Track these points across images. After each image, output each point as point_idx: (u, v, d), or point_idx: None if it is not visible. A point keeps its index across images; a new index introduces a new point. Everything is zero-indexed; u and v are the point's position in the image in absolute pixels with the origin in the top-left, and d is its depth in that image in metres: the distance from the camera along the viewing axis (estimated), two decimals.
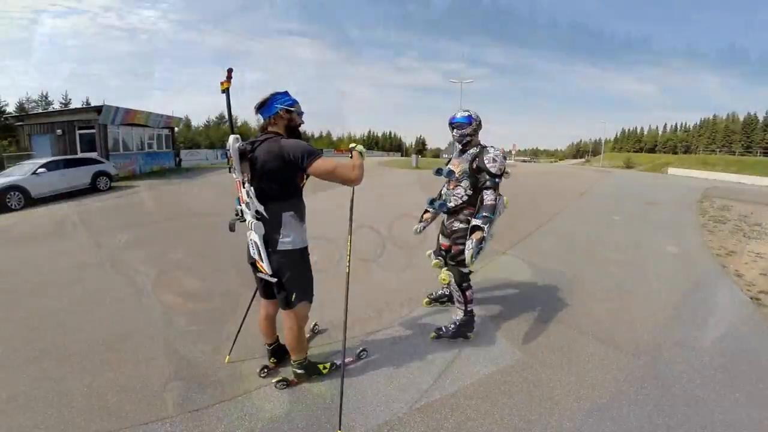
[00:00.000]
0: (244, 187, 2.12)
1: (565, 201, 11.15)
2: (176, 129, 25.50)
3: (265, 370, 2.58)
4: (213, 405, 2.29)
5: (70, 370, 2.64)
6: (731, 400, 2.45)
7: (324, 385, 2.47)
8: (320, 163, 2.06)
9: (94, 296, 3.88)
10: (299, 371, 2.47)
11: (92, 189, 12.64)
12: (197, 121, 58.30)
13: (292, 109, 2.23)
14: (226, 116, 2.21)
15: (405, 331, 3.22)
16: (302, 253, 2.28)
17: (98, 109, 16.62)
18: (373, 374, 2.62)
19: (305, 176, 2.20)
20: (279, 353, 2.67)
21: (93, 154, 15.11)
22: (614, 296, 4.11)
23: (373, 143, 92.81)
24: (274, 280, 2.21)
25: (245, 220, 2.19)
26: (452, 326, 3.08)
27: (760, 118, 65.78)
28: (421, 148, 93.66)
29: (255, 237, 2.14)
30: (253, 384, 2.49)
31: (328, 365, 2.53)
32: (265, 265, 2.18)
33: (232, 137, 2.07)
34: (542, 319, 3.52)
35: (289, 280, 2.23)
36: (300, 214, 2.24)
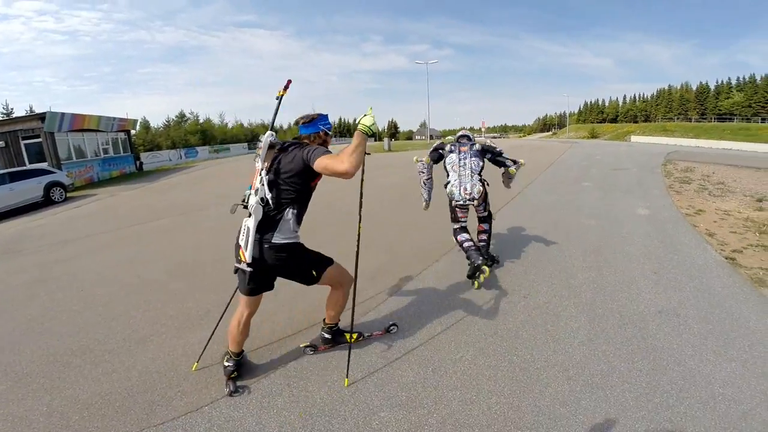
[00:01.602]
0: (260, 175, 2.18)
1: (536, 172, 11.22)
2: (133, 131, 24.22)
3: (234, 376, 2.36)
4: (178, 417, 2.14)
5: (28, 390, 2.47)
6: (728, 371, 2.33)
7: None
8: (320, 159, 2.07)
9: (50, 312, 3.59)
10: (327, 336, 2.63)
11: (46, 201, 11.81)
12: (156, 121, 55.47)
13: (329, 132, 2.42)
14: (272, 118, 2.36)
15: (395, 307, 3.02)
16: (298, 244, 2.31)
17: (42, 117, 15.47)
18: (351, 366, 2.41)
19: (318, 179, 2.25)
20: (241, 368, 2.45)
21: (43, 165, 14.11)
22: (592, 264, 4.07)
23: (344, 130, 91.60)
24: (249, 269, 2.17)
25: (247, 207, 2.23)
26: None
27: (712, 86, 68.89)
28: (393, 132, 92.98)
29: (250, 222, 2.15)
30: (222, 392, 2.29)
31: (355, 335, 2.64)
32: (247, 254, 2.14)
33: (268, 132, 2.24)
34: (521, 294, 3.43)
35: (298, 268, 2.32)
36: (300, 215, 2.28)
